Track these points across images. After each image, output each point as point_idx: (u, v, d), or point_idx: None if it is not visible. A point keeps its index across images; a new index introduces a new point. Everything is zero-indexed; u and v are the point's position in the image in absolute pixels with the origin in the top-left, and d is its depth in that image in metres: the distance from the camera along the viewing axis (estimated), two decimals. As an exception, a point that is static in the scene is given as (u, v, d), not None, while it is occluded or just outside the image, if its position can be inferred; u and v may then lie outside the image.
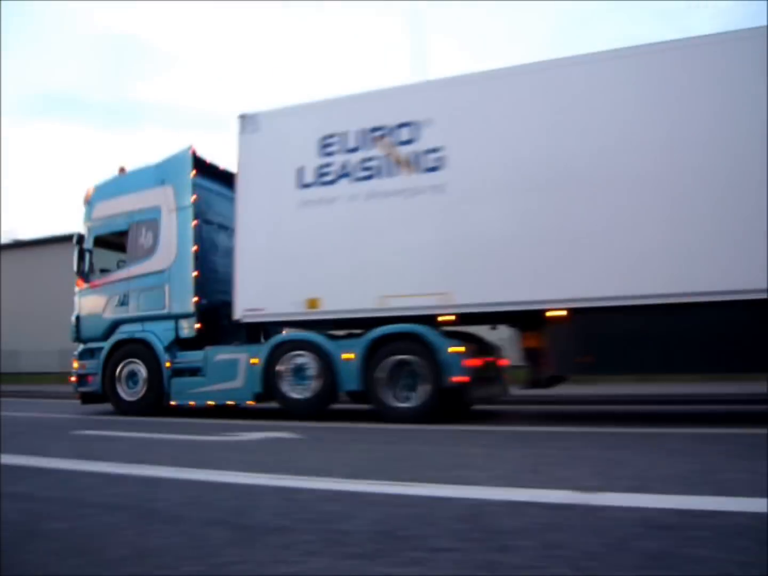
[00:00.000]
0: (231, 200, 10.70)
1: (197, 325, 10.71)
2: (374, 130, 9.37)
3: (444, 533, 3.04)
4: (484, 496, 3.89)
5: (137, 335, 11.02)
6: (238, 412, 11.24)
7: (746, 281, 7.33)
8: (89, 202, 11.86)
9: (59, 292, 20.16)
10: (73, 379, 11.73)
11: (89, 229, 11.83)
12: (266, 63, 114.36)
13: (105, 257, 11.94)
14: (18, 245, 35.50)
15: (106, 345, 11.24)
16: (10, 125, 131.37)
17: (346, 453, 6.45)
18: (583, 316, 8.21)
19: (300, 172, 9.77)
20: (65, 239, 20.18)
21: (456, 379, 8.60)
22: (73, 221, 59.32)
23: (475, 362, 8.92)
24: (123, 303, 11.26)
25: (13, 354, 28.99)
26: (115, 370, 11.12)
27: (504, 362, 10.30)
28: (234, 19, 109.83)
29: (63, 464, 5.51)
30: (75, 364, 11.70)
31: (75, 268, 11.72)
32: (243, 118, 10.30)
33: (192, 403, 10.55)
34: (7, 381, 24.20)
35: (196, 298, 10.67)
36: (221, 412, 10.85)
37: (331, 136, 9.60)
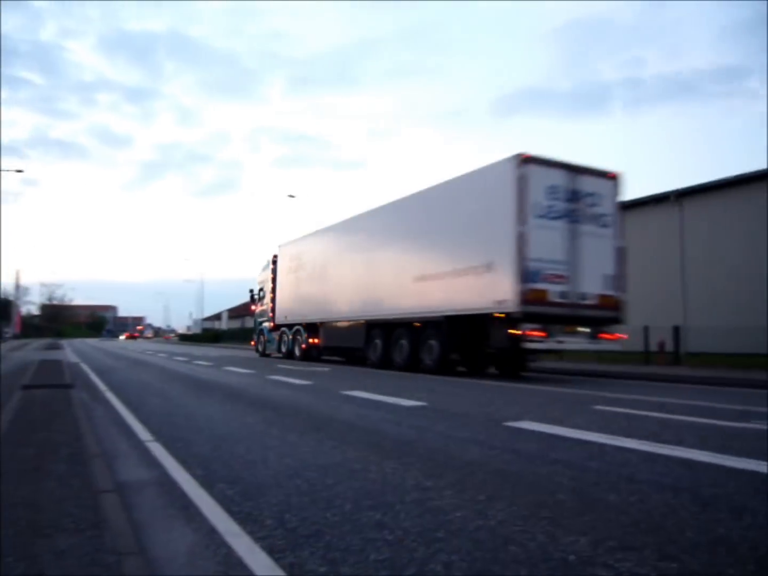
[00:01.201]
0: None
1: (272, 324, 26.51)
2: (295, 254, 24.50)
3: None
4: None
5: (261, 327, 28.37)
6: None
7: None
8: (260, 272, 29.07)
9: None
10: (252, 343, 30.53)
11: (258, 284, 29.07)
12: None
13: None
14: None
15: (257, 330, 29.36)
16: (489, 127, 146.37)
17: None
18: (366, 324, 18.79)
19: (289, 268, 24.76)
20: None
21: (304, 346, 22.91)
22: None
23: (311, 342, 22.36)
24: (261, 315, 28.39)
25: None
26: (260, 340, 28.96)
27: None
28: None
29: (590, 437, 5.77)
30: (253, 339, 30.36)
31: (251, 300, 30.20)
32: (279, 246, 26.16)
33: (270, 352, 27.32)
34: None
35: (271, 314, 26.49)
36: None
37: (293, 254, 24.52)
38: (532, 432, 6.13)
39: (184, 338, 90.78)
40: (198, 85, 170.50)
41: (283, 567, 2.59)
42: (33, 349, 35.20)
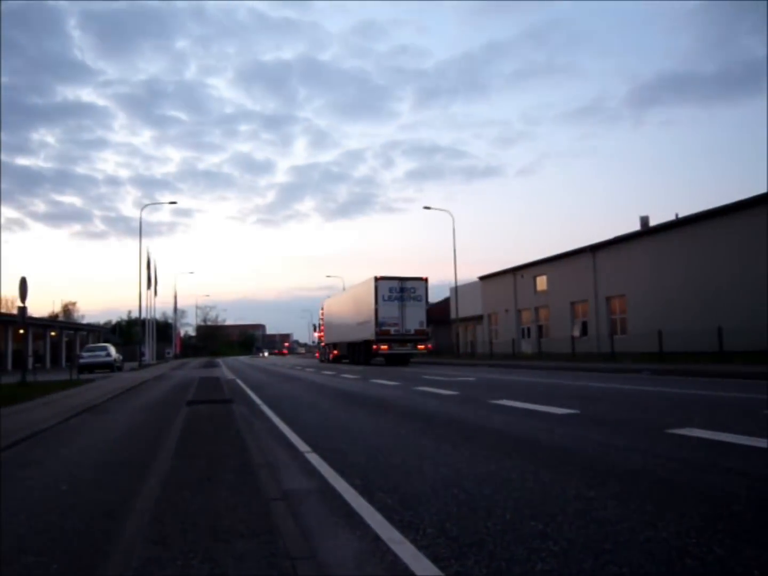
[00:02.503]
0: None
1: (323, 343, 48.51)
2: (328, 305, 47.06)
3: None
4: None
5: (320, 345, 52.45)
6: None
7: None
8: (320, 313, 52.00)
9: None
10: (317, 355, 56.98)
11: (318, 321, 54.82)
12: None
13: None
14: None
15: (318, 347, 54.92)
16: (628, 119, 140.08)
17: None
18: (346, 343, 38.32)
19: (327, 313, 46.42)
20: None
21: (331, 355, 43.67)
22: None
23: (334, 353, 43.14)
24: (320, 339, 51.42)
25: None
26: (320, 352, 52.40)
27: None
28: None
29: (765, 443, 5.36)
30: (317, 352, 59.64)
31: (314, 330, 64.97)
32: (324, 300, 52.10)
33: (323, 360, 46.96)
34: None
35: (323, 338, 48.21)
36: None
37: (328, 305, 46.89)
38: (699, 439, 5.79)
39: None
40: (330, 106, 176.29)
41: (449, 575, 2.63)
42: (192, 368, 37.80)
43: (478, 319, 52.97)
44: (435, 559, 2.81)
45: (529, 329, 44.95)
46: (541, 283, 43.45)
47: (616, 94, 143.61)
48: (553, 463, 4.92)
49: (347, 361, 38.20)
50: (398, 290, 32.03)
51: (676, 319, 28.45)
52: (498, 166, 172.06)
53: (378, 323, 31.45)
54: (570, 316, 39.33)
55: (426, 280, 33.06)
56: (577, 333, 35.21)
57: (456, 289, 49.38)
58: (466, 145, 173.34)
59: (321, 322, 49.66)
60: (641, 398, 10.63)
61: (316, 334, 54.93)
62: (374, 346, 31.73)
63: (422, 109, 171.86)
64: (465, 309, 51.06)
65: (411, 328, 32.01)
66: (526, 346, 42.77)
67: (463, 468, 4.85)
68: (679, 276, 29.84)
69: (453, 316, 51.66)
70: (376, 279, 31.88)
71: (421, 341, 32.79)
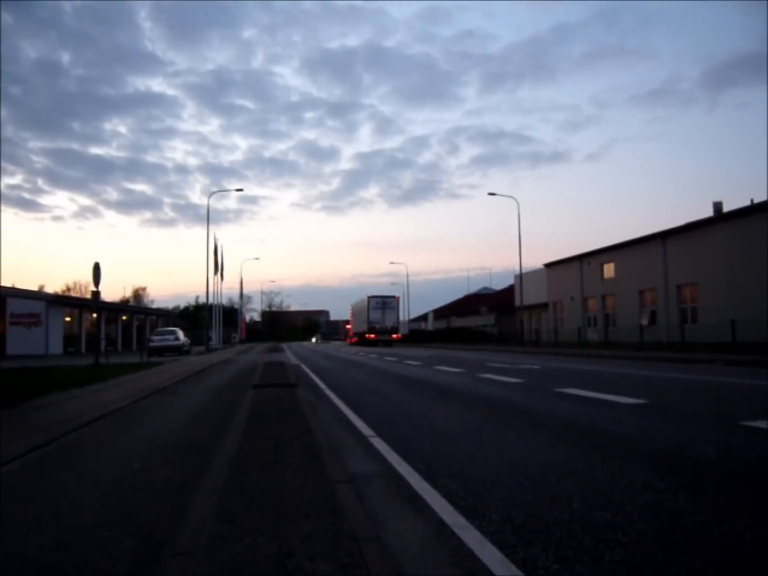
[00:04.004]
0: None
1: (351, 332, 73.03)
2: (352, 306, 75.51)
3: None
4: None
5: (347, 334, 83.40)
6: None
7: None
8: (350, 313, 77.11)
9: None
10: (348, 340, 76.97)
11: (349, 317, 79.24)
12: None
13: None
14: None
15: (348, 334, 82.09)
16: (701, 102, 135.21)
17: None
18: (358, 333, 63.59)
19: (352, 313, 72.76)
20: None
21: (353, 340, 68.88)
22: None
23: (354, 339, 68.81)
24: (349, 330, 77.15)
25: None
26: (349, 338, 76.38)
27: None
28: None
29: None
30: (347, 339, 79.43)
31: (347, 323, 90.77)
32: (351, 304, 76.74)
33: (351, 344, 67.73)
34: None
35: (352, 329, 72.56)
36: None
37: (352, 305, 73.31)
38: (777, 432, 5.58)
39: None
40: (395, 93, 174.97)
41: (515, 562, 2.61)
42: (257, 352, 38.55)
43: (543, 306, 52.20)
44: (501, 546, 2.80)
45: (595, 317, 44.01)
46: (609, 270, 42.40)
47: (689, 76, 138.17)
48: (621, 453, 4.82)
49: (360, 344, 57.44)
50: (381, 303, 55.44)
51: (750, 308, 27.29)
52: (565, 152, 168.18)
53: (369, 322, 54.77)
54: (638, 304, 38.28)
55: (398, 298, 58.53)
56: (645, 322, 34.18)
57: (521, 277, 48.63)
58: (533, 131, 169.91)
59: (351, 318, 73.31)
60: (713, 389, 10.31)
61: (348, 326, 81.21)
62: (366, 335, 54.88)
63: (488, 94, 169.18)
64: (530, 296, 50.25)
65: (388, 325, 55.08)
66: (593, 335, 41.86)
67: (529, 456, 4.81)
68: (753, 264, 28.54)
69: (517, 303, 51.05)
70: (369, 297, 55.84)
71: (395, 333, 55.62)
